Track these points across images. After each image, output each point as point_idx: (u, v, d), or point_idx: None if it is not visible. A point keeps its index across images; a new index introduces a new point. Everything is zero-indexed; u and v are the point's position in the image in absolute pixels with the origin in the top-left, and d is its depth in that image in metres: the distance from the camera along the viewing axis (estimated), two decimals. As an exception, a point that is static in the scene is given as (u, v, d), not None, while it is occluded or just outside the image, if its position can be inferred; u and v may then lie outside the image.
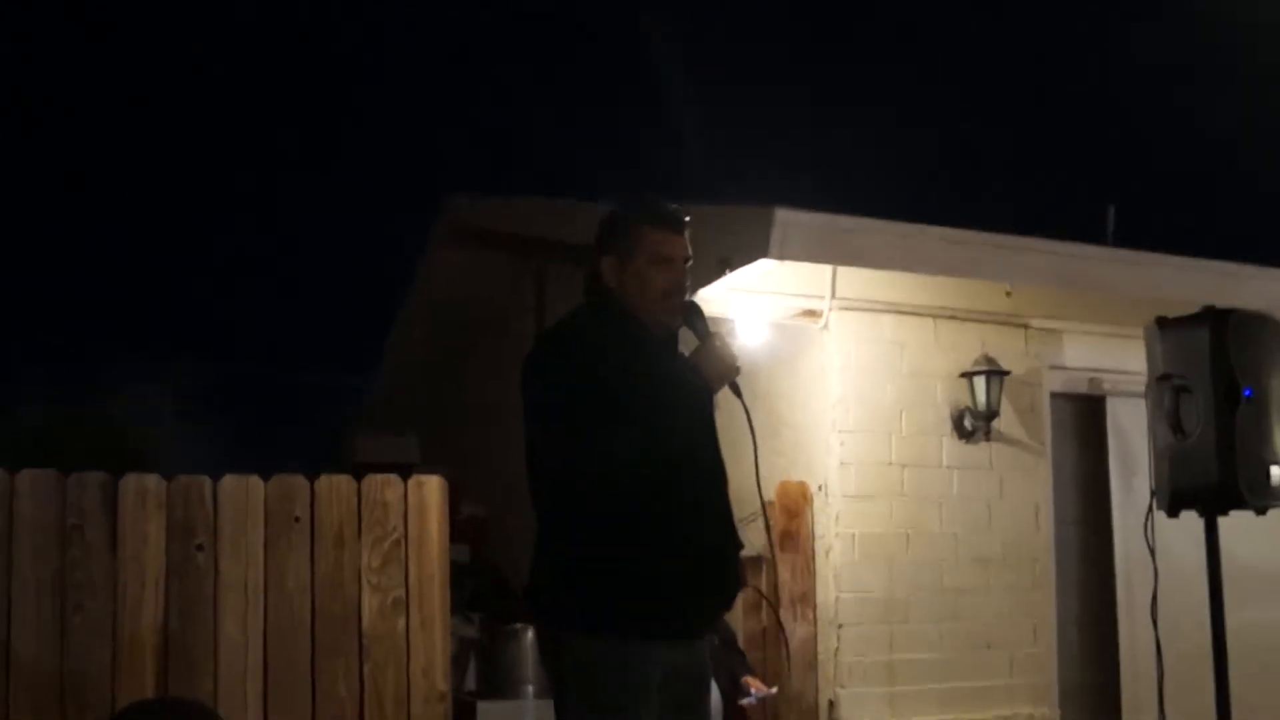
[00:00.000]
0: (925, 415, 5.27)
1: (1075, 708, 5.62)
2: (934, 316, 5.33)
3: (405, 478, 5.58)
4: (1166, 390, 4.03)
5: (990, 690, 5.27)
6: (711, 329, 3.23)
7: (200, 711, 2.90)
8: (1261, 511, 4.06)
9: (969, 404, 5.26)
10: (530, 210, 7.23)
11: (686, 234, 3.27)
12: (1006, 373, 5.22)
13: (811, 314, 5.22)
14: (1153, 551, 4.29)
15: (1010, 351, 5.43)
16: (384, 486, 4.89)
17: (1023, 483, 5.42)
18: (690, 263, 3.26)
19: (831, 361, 5.18)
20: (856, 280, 5.07)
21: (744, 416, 3.40)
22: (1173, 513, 4.11)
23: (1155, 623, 4.30)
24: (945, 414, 5.31)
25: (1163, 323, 4.13)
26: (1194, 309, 4.26)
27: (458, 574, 5.85)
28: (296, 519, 4.53)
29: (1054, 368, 5.53)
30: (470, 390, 9.18)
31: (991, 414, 5.20)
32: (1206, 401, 3.98)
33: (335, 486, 4.75)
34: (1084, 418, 5.66)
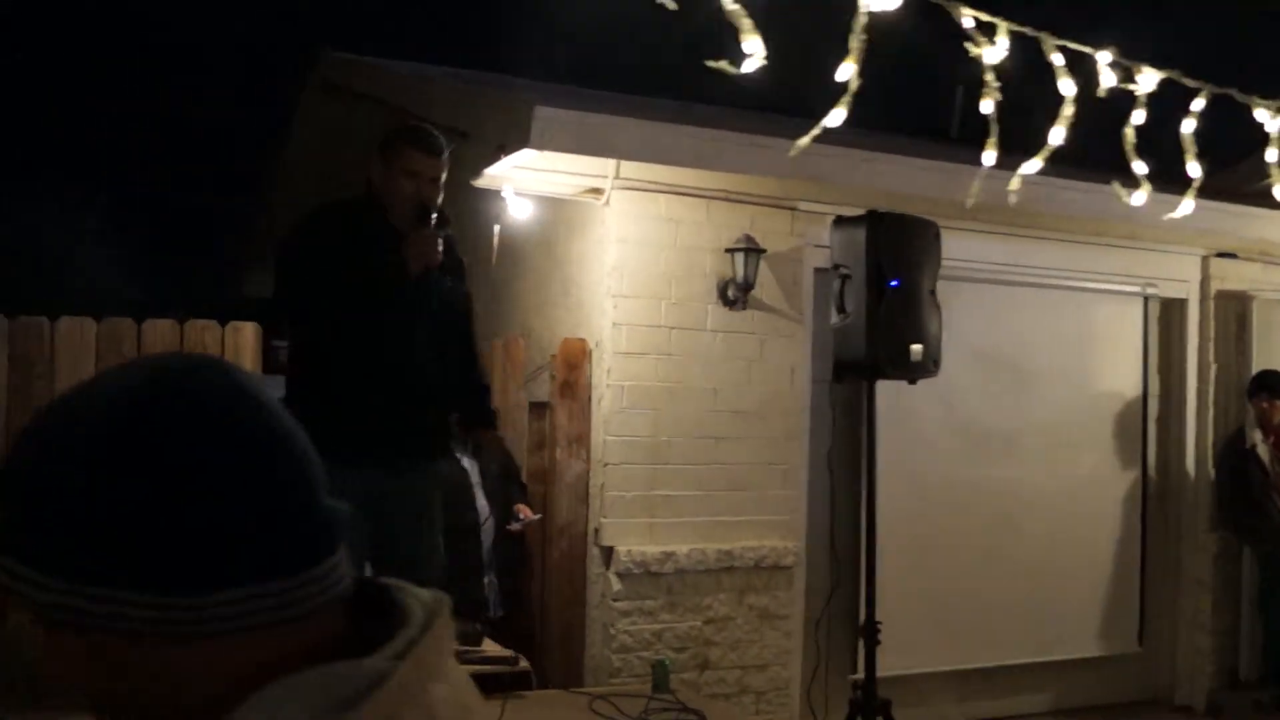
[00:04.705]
0: (694, 285, 6.31)
1: (825, 539, 6.78)
2: (708, 198, 6.33)
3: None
4: (836, 277, 5.10)
5: (741, 525, 6.42)
6: (430, 229, 4.29)
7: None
8: (911, 381, 5.17)
9: (731, 276, 6.30)
10: (389, 77, 8.13)
11: (442, 157, 4.40)
12: (763, 250, 6.24)
13: (596, 191, 6.23)
14: (834, 407, 5.38)
15: (777, 231, 6.45)
16: (203, 331, 6.01)
17: (781, 346, 6.49)
18: (439, 180, 4.37)
19: (610, 234, 6.19)
20: (639, 163, 6.07)
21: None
22: (838, 379, 5.21)
23: (831, 470, 5.41)
24: (712, 284, 6.34)
25: (838, 221, 5.18)
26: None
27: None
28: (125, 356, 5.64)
29: (818, 246, 6.55)
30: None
31: (749, 285, 6.25)
32: (862, 288, 5.06)
33: (159, 330, 5.85)
34: (844, 291, 6.73)
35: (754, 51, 3.19)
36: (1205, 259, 7.91)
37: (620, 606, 6.08)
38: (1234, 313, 7.87)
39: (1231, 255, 7.89)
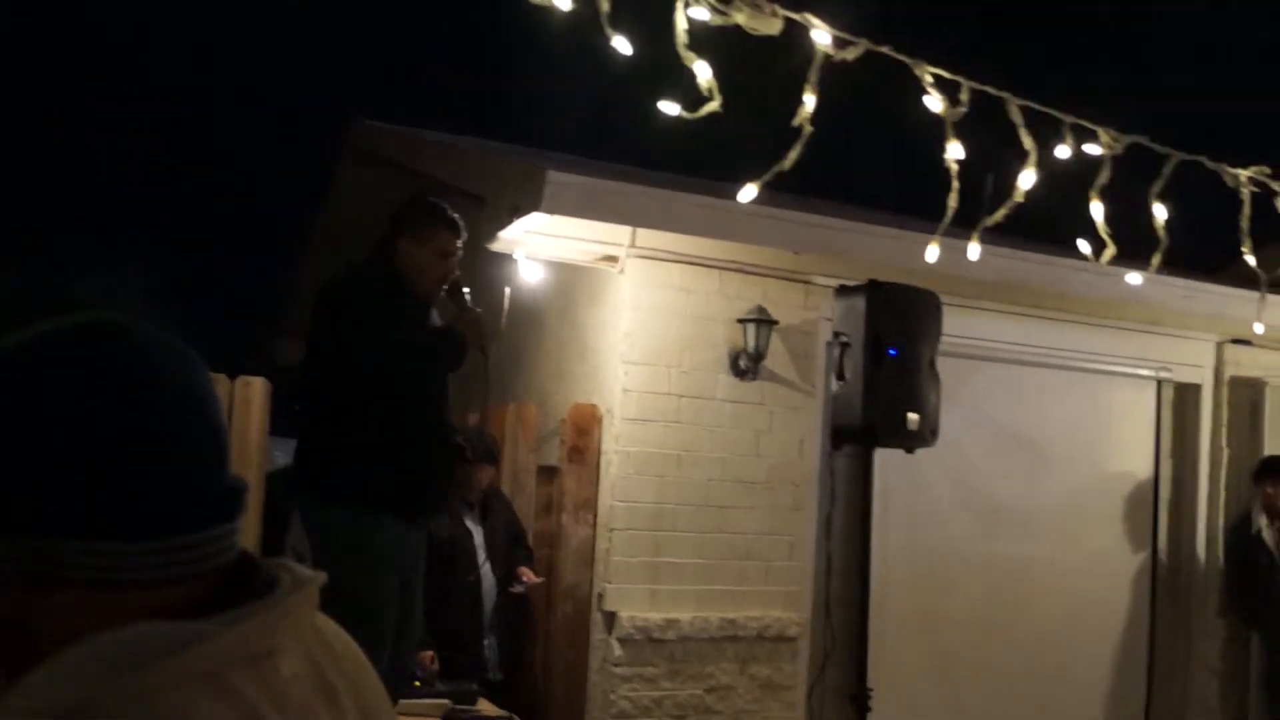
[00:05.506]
0: (705, 354, 6.39)
1: (830, 614, 6.79)
2: (721, 268, 6.43)
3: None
4: (836, 345, 5.18)
5: (745, 594, 6.45)
6: (471, 304, 4.63)
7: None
8: (909, 450, 5.22)
9: (743, 347, 6.38)
10: (415, 144, 8.30)
11: (462, 236, 4.72)
12: (775, 322, 6.31)
13: (611, 259, 6.34)
14: (833, 475, 5.43)
15: (791, 303, 6.53)
16: (214, 383, 6.14)
17: (791, 418, 6.54)
18: (461, 255, 4.70)
19: (624, 301, 6.29)
20: (654, 232, 6.18)
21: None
22: (836, 446, 5.26)
23: (829, 538, 5.45)
24: (723, 354, 6.42)
25: (840, 290, 5.27)
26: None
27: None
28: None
29: (830, 320, 6.60)
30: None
31: (760, 356, 6.32)
32: (860, 356, 5.14)
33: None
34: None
35: (709, 96, 3.30)
36: (1220, 345, 7.95)
37: (621, 672, 6.10)
38: (1248, 399, 7.90)
39: (1246, 342, 7.93)
